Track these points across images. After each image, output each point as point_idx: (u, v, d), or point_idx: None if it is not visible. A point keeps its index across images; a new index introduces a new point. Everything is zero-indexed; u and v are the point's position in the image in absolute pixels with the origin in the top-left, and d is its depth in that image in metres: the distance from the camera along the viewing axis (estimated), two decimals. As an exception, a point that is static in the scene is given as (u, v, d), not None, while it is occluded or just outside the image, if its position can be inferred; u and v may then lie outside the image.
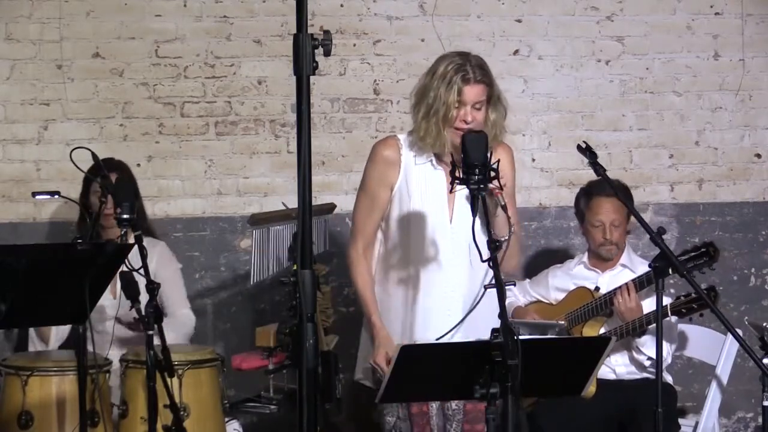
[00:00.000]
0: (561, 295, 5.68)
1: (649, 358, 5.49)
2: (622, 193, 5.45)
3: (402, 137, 4.51)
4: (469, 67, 4.36)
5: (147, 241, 5.50)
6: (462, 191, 4.39)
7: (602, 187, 5.46)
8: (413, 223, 4.43)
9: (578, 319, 5.53)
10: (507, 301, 5.67)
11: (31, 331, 5.49)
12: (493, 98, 4.40)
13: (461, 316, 4.39)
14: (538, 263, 6.50)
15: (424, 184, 4.44)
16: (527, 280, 5.93)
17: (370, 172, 4.50)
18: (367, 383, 4.61)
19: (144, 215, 5.65)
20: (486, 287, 4.04)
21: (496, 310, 4.47)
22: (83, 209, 5.37)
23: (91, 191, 5.40)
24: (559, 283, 5.73)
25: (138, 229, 4.62)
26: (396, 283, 4.47)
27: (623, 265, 5.65)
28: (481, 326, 4.35)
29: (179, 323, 5.51)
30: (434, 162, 4.45)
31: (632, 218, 5.60)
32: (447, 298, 4.41)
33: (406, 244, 4.44)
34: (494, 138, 4.37)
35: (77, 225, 5.60)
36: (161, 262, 5.54)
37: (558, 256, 6.41)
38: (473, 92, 4.34)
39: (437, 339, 4.31)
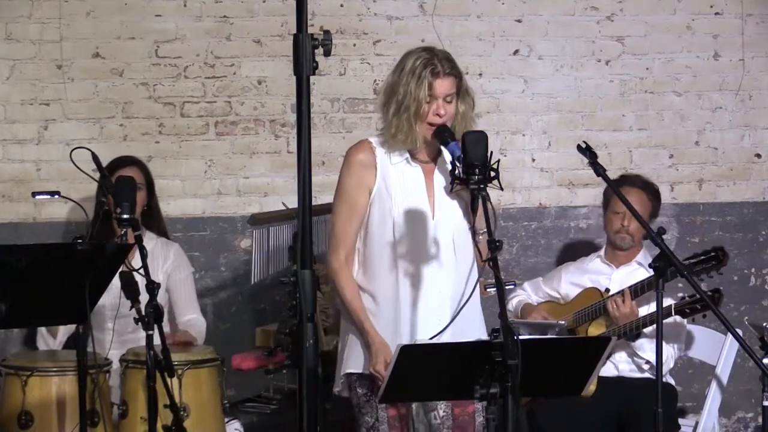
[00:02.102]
0: (573, 290, 5.68)
1: (647, 362, 5.49)
2: (650, 192, 5.50)
3: (374, 139, 4.47)
4: (437, 60, 4.34)
5: (162, 242, 5.56)
6: (441, 186, 4.40)
7: (634, 180, 5.51)
8: (396, 223, 4.39)
9: (585, 318, 5.54)
10: (518, 298, 5.76)
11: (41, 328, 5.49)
12: (461, 90, 4.38)
13: (450, 311, 4.36)
14: (538, 263, 6.50)
15: (402, 183, 4.41)
16: (540, 278, 5.94)
17: (346, 177, 4.45)
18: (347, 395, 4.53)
19: (160, 215, 5.67)
20: (486, 287, 4.04)
21: (482, 308, 4.50)
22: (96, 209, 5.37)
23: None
24: (573, 277, 5.74)
25: (138, 229, 4.62)
26: (382, 284, 4.40)
27: (639, 263, 5.66)
28: (468, 327, 4.36)
29: (196, 327, 5.53)
30: (409, 159, 4.44)
31: (653, 222, 5.63)
32: (436, 293, 4.38)
33: (390, 244, 4.39)
34: (465, 130, 4.33)
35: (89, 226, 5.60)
36: (177, 264, 5.57)
37: (558, 256, 6.41)
38: (444, 85, 4.32)
39: (429, 339, 4.28)
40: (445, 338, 4.29)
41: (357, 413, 4.47)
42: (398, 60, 4.44)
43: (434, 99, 4.32)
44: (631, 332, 5.38)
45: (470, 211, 3.94)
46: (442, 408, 4.44)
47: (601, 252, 5.78)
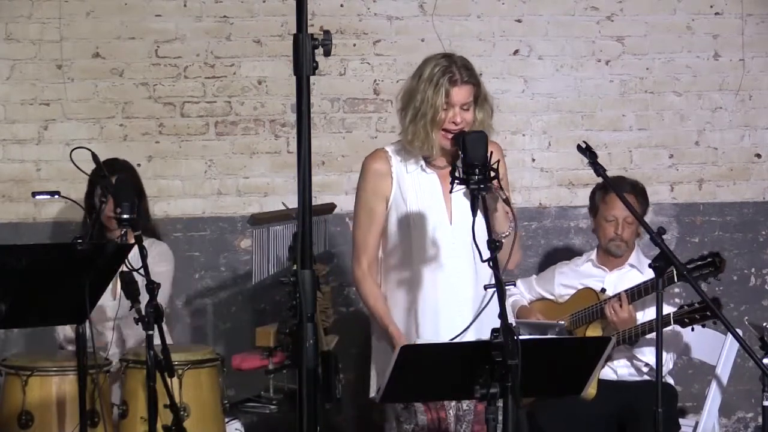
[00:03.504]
0: (567, 292, 5.67)
1: (647, 364, 5.49)
2: (639, 192, 5.47)
3: (389, 148, 4.50)
4: (455, 68, 4.34)
5: (148, 243, 5.51)
6: (458, 190, 4.40)
7: (620, 183, 5.48)
8: (414, 230, 4.41)
9: (582, 321, 5.53)
10: (512, 299, 5.76)
11: (61, 331, 5.45)
12: (480, 98, 4.39)
13: (471, 315, 4.35)
14: (538, 263, 6.51)
15: (419, 190, 4.42)
16: (533, 276, 5.93)
17: (363, 187, 4.48)
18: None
19: (148, 216, 5.65)
20: (486, 287, 4.04)
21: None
22: (87, 210, 5.37)
23: (96, 192, 5.39)
24: (566, 280, 5.73)
25: (138, 229, 4.62)
26: (402, 290, 4.44)
27: (631, 265, 5.65)
28: (488, 328, 4.36)
29: None
30: (425, 166, 4.45)
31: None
32: (456, 300, 4.39)
33: (408, 252, 4.42)
34: None
35: (82, 225, 5.60)
36: (156, 260, 5.53)
37: (558, 256, 6.41)
38: (461, 94, 4.33)
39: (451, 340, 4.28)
40: (470, 338, 4.30)
41: (396, 423, 4.49)
42: (417, 66, 4.44)
43: (451, 107, 4.33)
44: (630, 339, 5.37)
45: (483, 214, 3.93)
46: (465, 401, 4.45)
47: (593, 255, 5.76)
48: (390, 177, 4.45)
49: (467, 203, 4.36)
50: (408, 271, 4.43)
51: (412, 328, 4.41)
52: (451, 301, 4.40)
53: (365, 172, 4.49)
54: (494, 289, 3.79)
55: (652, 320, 5.29)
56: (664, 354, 5.40)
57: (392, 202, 4.45)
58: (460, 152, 4.24)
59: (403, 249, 4.44)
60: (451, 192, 4.20)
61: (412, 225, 4.41)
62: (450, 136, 4.32)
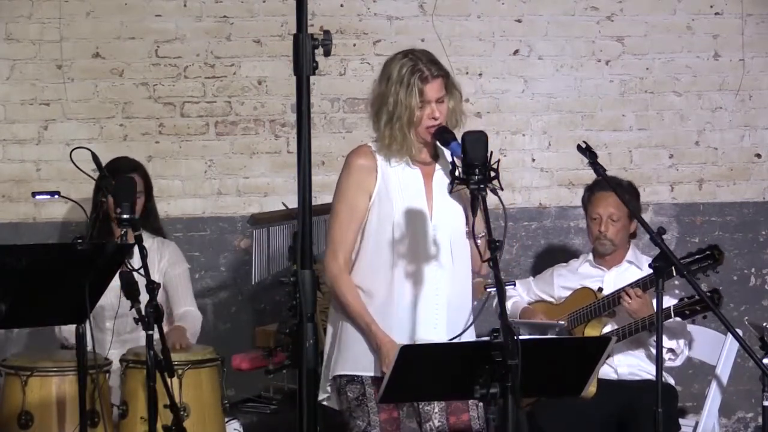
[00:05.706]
0: (567, 294, 5.67)
1: (669, 350, 5.46)
2: (627, 190, 5.46)
3: (372, 144, 4.46)
4: (422, 65, 4.30)
5: (158, 241, 5.54)
6: (441, 188, 4.39)
7: (605, 184, 5.47)
8: (395, 225, 4.37)
9: (580, 320, 5.52)
10: (511, 300, 5.74)
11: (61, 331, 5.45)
12: (449, 87, 4.37)
13: (446, 314, 4.36)
14: (538, 263, 6.51)
15: (402, 185, 4.39)
16: (531, 278, 5.93)
17: (347, 182, 4.43)
18: (334, 406, 4.50)
19: (156, 215, 5.65)
20: (486, 287, 4.03)
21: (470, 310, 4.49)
22: (93, 209, 5.35)
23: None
24: (565, 282, 5.73)
25: (138, 229, 4.61)
26: (378, 286, 4.40)
27: (629, 262, 5.65)
28: (461, 327, 4.36)
29: (190, 319, 5.52)
30: (409, 162, 4.42)
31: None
32: (432, 296, 4.37)
33: (388, 246, 4.37)
34: (456, 126, 4.33)
35: (86, 226, 5.58)
36: (172, 261, 5.55)
37: (558, 256, 6.41)
38: (433, 89, 4.30)
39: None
40: (442, 337, 4.31)
41: (347, 417, 4.44)
42: (381, 69, 4.40)
43: (427, 103, 4.30)
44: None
45: (470, 212, 3.93)
46: (437, 418, 4.42)
47: (589, 256, 5.76)
48: (375, 172, 4.40)
49: (448, 202, 4.39)
50: (385, 266, 4.38)
51: (387, 325, 4.36)
52: (427, 299, 4.37)
53: (350, 167, 4.43)
54: (493, 289, 3.78)
55: (650, 315, 5.29)
56: (680, 341, 5.43)
57: (375, 197, 4.40)
58: (441, 147, 4.28)
59: (382, 244, 4.39)
60: (451, 192, 4.19)
61: (394, 221, 4.37)
62: (432, 131, 4.31)
